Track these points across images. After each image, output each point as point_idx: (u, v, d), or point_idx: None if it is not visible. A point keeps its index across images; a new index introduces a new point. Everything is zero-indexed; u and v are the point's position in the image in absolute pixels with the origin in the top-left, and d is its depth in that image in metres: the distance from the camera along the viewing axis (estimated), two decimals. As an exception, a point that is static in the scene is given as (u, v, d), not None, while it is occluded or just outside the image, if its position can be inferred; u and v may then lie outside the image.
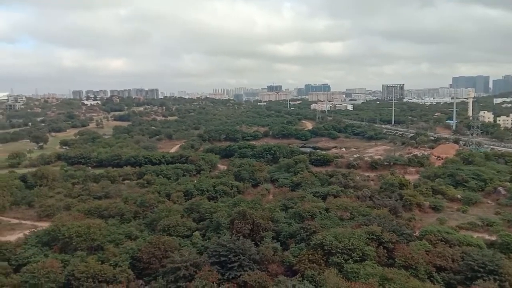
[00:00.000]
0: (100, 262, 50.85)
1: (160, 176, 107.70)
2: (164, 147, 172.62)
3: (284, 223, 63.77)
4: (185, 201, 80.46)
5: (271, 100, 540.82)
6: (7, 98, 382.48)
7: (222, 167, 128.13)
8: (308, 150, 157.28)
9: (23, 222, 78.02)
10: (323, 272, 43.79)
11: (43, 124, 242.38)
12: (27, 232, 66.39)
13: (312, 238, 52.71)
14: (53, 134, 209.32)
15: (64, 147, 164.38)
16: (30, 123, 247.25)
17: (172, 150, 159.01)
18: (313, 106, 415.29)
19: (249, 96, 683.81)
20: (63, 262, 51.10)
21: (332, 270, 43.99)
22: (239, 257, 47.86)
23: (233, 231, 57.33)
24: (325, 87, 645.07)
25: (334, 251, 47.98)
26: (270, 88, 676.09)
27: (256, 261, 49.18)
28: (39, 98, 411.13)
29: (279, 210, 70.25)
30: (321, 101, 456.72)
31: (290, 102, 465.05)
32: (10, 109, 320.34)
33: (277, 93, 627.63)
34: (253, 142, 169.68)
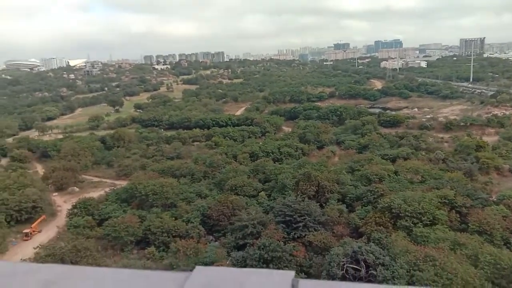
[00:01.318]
0: (173, 218, 54.38)
1: (227, 138, 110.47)
2: (230, 109, 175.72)
3: (350, 185, 63.13)
4: (251, 162, 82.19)
5: (338, 59, 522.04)
6: (85, 64, 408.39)
7: (286, 129, 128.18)
8: (377, 110, 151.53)
9: (104, 180, 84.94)
10: (391, 235, 43.18)
11: (118, 89, 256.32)
12: (107, 189, 72.37)
13: (379, 201, 51.83)
14: (127, 98, 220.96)
15: (138, 110, 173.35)
16: (106, 88, 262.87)
17: (238, 113, 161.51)
18: (383, 64, 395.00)
19: (314, 56, 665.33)
20: (140, 217, 55.34)
21: (400, 234, 43.24)
22: (304, 217, 48.54)
23: (298, 192, 57.97)
24: (397, 43, 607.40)
25: (402, 214, 46.90)
26: (337, 47, 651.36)
27: (321, 222, 49.59)
28: (114, 63, 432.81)
29: (345, 173, 69.46)
30: (392, 58, 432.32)
31: (358, 61, 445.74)
32: (88, 75, 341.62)
33: (344, 51, 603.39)
34: (318, 103, 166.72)
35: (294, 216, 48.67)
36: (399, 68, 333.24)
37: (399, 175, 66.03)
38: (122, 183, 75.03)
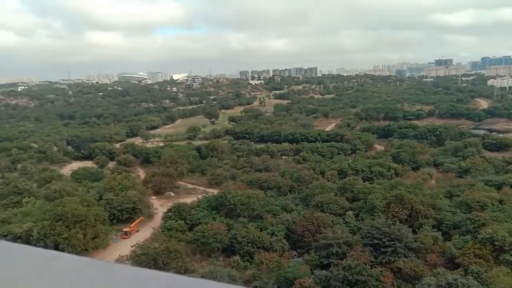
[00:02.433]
0: (259, 229, 55.27)
1: (315, 153, 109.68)
2: (320, 125, 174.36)
3: (448, 211, 58.57)
4: (339, 180, 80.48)
5: (439, 76, 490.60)
6: (186, 78, 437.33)
7: (379, 147, 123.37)
8: (482, 132, 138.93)
9: (197, 187, 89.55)
10: (491, 270, 39.05)
11: (215, 102, 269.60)
12: (199, 196, 76.11)
13: (480, 231, 47.35)
14: (223, 111, 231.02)
15: (232, 123, 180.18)
16: (204, 101, 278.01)
17: (328, 129, 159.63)
18: (490, 82, 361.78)
19: (413, 72, 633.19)
20: (227, 225, 57.19)
21: (502, 269, 38.94)
22: (394, 242, 46.09)
23: (388, 215, 55.30)
24: (507, 60, 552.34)
25: (507, 247, 42.19)
26: (438, 62, 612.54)
27: (412, 249, 46.65)
28: (212, 78, 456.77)
29: (442, 197, 64.67)
30: (500, 76, 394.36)
31: (462, 78, 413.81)
32: (189, 88, 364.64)
33: (446, 67, 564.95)
34: (415, 122, 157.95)
35: (383, 240, 46.46)
36: (509, 87, 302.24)
37: (504, 204, 59.66)
38: (213, 191, 78.41)
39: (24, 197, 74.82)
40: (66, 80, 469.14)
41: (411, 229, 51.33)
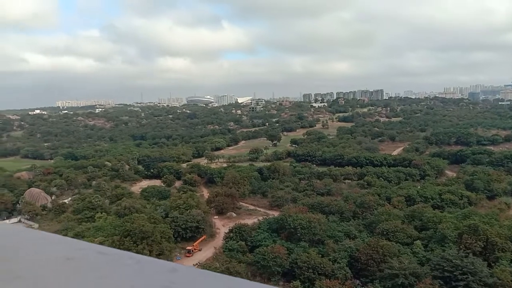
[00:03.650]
0: (320, 255, 54.12)
1: (380, 178, 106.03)
2: (386, 149, 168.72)
3: (529, 245, 53.45)
4: (406, 207, 76.92)
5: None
6: (250, 101, 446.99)
7: (450, 173, 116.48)
8: None
9: (258, 208, 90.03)
10: None
11: (277, 124, 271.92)
12: (260, 218, 76.39)
13: None
14: (285, 133, 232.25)
15: (294, 145, 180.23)
16: (267, 123, 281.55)
17: (395, 153, 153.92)
18: None
19: (487, 95, 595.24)
20: (288, 249, 56.65)
21: None
22: (466, 276, 42.94)
23: (460, 246, 51.72)
24: None
25: None
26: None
27: (487, 285, 43.06)
28: (275, 101, 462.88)
29: (522, 230, 59.23)
30: None
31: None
32: (253, 111, 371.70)
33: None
34: (491, 148, 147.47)
35: (455, 273, 43.47)
36: None
37: None
38: (274, 213, 78.38)
39: (97, 212, 79.94)
40: (139, 103, 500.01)
41: (486, 262, 47.60)
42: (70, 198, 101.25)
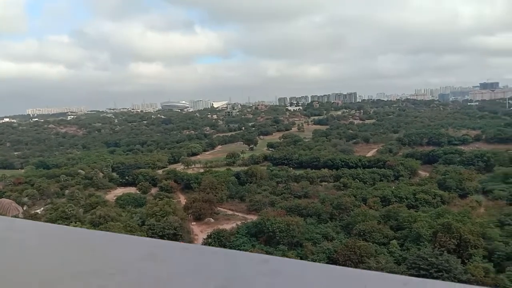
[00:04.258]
0: (299, 258, 54.27)
1: (356, 179, 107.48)
2: (361, 150, 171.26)
3: (500, 241, 55.16)
4: (382, 207, 78.13)
5: (485, 100, 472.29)
6: (226, 106, 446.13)
7: (423, 173, 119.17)
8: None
9: (236, 213, 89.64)
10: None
11: (253, 128, 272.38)
12: (239, 223, 76.09)
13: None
14: (261, 137, 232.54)
15: (270, 149, 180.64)
16: (243, 128, 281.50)
17: (369, 154, 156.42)
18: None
19: (457, 96, 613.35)
20: (267, 253, 56.59)
21: None
22: (441, 273, 43.87)
23: (435, 245, 52.85)
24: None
25: None
26: (483, 86, 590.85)
27: (462, 281, 44.01)
28: (251, 105, 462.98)
29: (493, 226, 61.14)
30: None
31: (510, 101, 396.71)
32: (228, 115, 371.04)
33: (492, 91, 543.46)
34: (461, 147, 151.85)
35: (430, 271, 44.35)
36: None
37: None
38: (253, 218, 78.18)
39: (71, 222, 77.74)
40: (112, 109, 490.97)
41: (460, 259, 48.76)
42: (42, 208, 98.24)
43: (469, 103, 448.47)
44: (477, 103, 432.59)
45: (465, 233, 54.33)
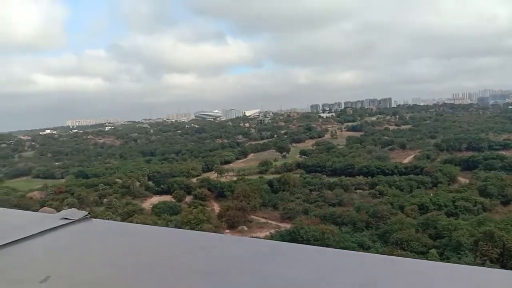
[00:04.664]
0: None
1: (392, 187, 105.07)
2: (397, 157, 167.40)
3: (548, 251, 52.37)
4: (420, 215, 76.01)
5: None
6: (258, 114, 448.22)
7: (463, 180, 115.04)
8: None
9: (269, 221, 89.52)
10: None
11: (286, 136, 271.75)
12: (272, 231, 75.98)
13: None
14: (294, 144, 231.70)
15: (303, 157, 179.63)
16: (275, 135, 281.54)
17: (405, 161, 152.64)
18: None
19: (497, 99, 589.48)
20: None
21: None
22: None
23: (477, 254, 50.88)
24: None
25: None
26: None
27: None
28: (283, 113, 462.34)
29: (539, 235, 58.07)
30: None
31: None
32: (261, 123, 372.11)
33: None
34: (503, 152, 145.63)
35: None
36: None
37: None
38: (286, 226, 77.83)
39: (110, 229, 79.94)
40: (148, 120, 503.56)
41: (504, 269, 46.61)
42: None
43: (510, 107, 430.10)
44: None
45: (509, 242, 51.98)
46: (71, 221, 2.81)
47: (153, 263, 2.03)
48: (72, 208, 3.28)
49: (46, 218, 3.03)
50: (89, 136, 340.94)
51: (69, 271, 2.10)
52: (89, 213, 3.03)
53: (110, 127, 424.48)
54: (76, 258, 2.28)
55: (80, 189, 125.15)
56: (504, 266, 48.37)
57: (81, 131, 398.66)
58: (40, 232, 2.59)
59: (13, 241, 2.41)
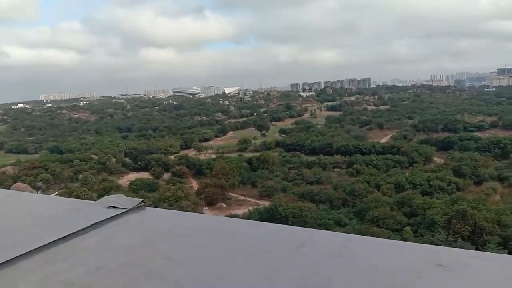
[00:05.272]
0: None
1: (369, 166, 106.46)
2: (375, 137, 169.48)
3: (516, 229, 54.16)
4: (396, 194, 77.37)
5: (502, 85, 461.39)
6: (238, 92, 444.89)
7: (438, 160, 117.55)
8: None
9: (248, 199, 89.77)
10: None
11: (265, 114, 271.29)
12: (251, 208, 76.19)
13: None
14: (273, 123, 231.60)
15: (282, 135, 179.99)
16: (255, 114, 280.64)
17: (383, 140, 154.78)
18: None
19: (473, 82, 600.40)
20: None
21: None
22: (456, 260, 43.29)
23: (449, 231, 52.18)
24: None
25: None
26: (501, 72, 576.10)
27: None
28: (263, 91, 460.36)
29: (509, 213, 59.96)
30: None
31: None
32: (240, 101, 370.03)
33: (510, 76, 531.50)
34: (477, 134, 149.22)
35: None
36: None
37: None
38: (265, 203, 78.11)
39: (85, 206, 78.55)
40: (124, 95, 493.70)
41: (475, 246, 47.93)
42: (56, 193, 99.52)
43: (486, 89, 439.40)
44: (494, 89, 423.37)
45: (480, 220, 53.45)
46: (123, 210, 2.39)
47: (242, 259, 1.79)
48: (119, 194, 2.70)
49: (90, 207, 2.54)
50: (64, 111, 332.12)
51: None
52: (143, 200, 2.50)
53: (85, 102, 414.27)
54: (139, 258, 1.90)
55: (55, 165, 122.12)
56: (474, 243, 49.87)
57: (55, 106, 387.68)
58: (92, 226, 2.19)
59: (62, 238, 2.06)
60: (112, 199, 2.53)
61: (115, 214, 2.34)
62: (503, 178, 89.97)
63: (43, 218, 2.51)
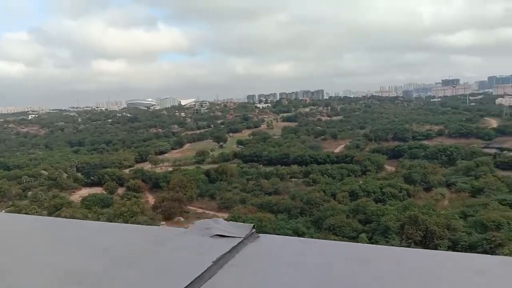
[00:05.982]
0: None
1: (325, 175, 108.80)
2: (329, 146, 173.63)
3: (463, 232, 57.25)
4: (350, 202, 79.51)
5: (446, 96, 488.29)
6: (194, 103, 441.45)
7: (389, 168, 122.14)
8: (493, 151, 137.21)
9: (206, 211, 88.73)
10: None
11: (222, 126, 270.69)
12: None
13: (497, 251, 46.02)
14: (231, 134, 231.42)
15: (240, 146, 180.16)
16: (212, 125, 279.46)
17: (337, 150, 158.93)
18: (498, 100, 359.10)
19: (420, 92, 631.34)
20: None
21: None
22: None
23: (403, 237, 54.27)
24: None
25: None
26: (445, 83, 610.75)
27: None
28: (220, 102, 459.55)
29: (457, 217, 63.33)
30: (508, 95, 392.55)
31: (470, 97, 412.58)
32: (197, 113, 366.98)
33: (454, 87, 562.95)
34: (425, 142, 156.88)
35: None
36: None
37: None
38: (224, 215, 77.49)
39: (34, 224, 74.60)
40: (75, 108, 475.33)
41: (427, 251, 50.23)
42: (3, 211, 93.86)
43: (432, 99, 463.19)
44: (439, 99, 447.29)
45: (431, 225, 56.01)
46: (238, 241, 1.89)
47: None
48: (214, 218, 2.17)
49: (188, 237, 1.98)
50: (11, 125, 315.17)
51: None
52: (254, 225, 2.07)
53: (34, 116, 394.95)
54: None
55: (1, 182, 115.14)
56: (426, 247, 52.08)
57: (2, 120, 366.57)
58: (215, 263, 1.65)
59: (189, 284, 1.54)
60: (210, 224, 2.02)
61: (232, 246, 1.83)
62: (450, 184, 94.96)
63: (146, 252, 1.92)
